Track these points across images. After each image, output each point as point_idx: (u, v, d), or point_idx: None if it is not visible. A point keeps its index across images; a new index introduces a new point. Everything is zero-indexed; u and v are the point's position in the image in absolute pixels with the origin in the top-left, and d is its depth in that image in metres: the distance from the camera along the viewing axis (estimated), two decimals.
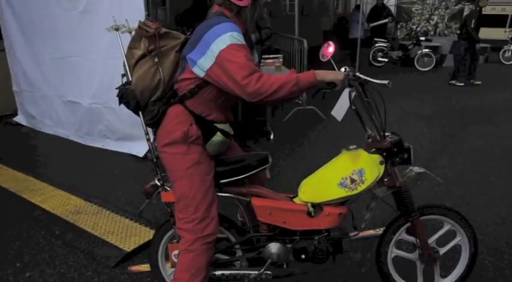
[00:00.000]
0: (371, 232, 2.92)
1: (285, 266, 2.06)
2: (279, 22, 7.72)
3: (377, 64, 10.21)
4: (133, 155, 4.52)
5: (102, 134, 4.89)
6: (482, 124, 5.65)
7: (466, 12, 10.60)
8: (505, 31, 11.53)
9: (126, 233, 3.04)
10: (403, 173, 2.00)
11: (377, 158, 1.88)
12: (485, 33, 13.78)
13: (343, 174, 1.87)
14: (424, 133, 5.28)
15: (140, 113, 1.90)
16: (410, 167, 2.02)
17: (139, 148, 4.45)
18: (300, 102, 5.97)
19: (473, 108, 6.52)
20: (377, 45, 10.18)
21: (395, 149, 1.87)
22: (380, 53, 10.19)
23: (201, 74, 1.70)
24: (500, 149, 4.70)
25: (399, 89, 7.18)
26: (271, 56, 5.33)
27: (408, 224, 2.04)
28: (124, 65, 1.93)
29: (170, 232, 2.12)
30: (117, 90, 1.93)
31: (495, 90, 7.79)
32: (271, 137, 5.02)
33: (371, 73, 1.99)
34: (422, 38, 9.97)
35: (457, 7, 11.58)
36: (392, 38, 11.32)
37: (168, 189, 1.97)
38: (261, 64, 5.09)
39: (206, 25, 1.70)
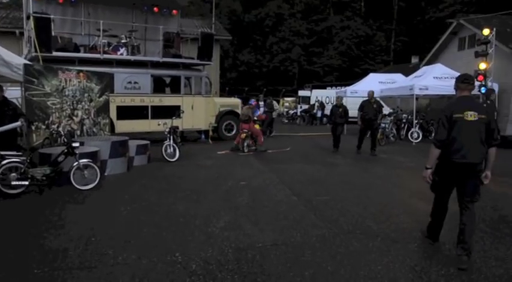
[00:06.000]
0: None
1: None
2: None
3: (11, 191, 6.25)
4: None
5: None
6: None
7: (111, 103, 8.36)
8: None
9: None
10: None
11: None
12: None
13: None
14: None
15: None
16: None
17: None
18: None
19: None
20: (6, 162, 6.25)
21: None
22: (14, 174, 6.28)
23: None
24: None
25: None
26: None
27: None
28: None
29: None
30: None
31: None
32: None
33: None
34: (76, 144, 6.91)
35: (101, 99, 9.27)
36: (29, 148, 7.49)
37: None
38: None
39: None
